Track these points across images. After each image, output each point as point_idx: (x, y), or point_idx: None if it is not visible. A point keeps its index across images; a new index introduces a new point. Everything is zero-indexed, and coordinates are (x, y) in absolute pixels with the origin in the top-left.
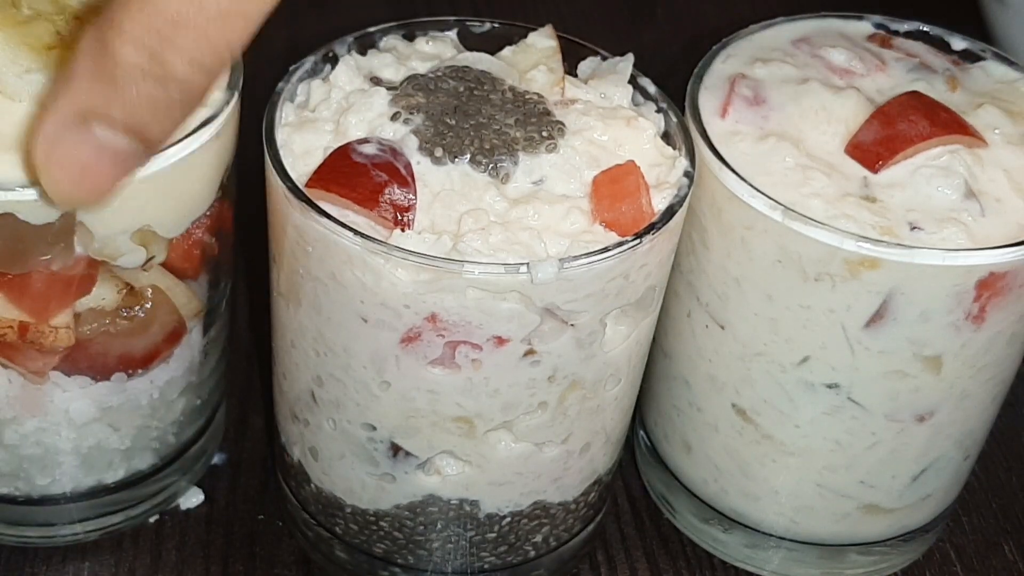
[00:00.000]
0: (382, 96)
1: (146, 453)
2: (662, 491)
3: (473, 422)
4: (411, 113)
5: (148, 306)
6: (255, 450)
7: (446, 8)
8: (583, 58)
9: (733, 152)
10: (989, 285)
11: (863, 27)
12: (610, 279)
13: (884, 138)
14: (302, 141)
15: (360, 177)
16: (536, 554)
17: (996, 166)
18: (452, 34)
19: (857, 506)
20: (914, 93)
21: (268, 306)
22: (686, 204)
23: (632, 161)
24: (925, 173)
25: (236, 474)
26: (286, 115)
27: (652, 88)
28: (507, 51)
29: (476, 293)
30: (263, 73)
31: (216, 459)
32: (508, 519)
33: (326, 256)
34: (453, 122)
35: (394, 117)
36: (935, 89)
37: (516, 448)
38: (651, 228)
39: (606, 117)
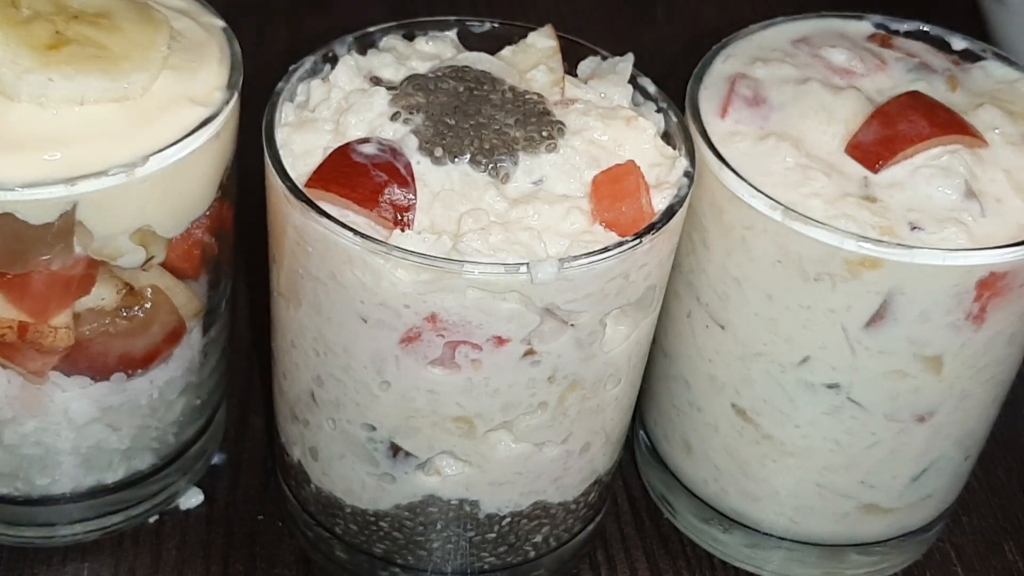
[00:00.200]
0: (382, 96)
1: (146, 453)
2: (662, 491)
3: (473, 422)
4: (411, 113)
5: (148, 306)
6: (255, 450)
7: (446, 8)
8: (583, 58)
9: (733, 152)
10: (989, 285)
11: (863, 27)
12: (610, 279)
13: (884, 138)
14: (302, 141)
15: (360, 177)
16: (536, 554)
17: (996, 166)
18: (452, 34)
19: (857, 506)
20: (914, 93)
21: (268, 306)
22: (686, 204)
23: (632, 161)
24: (925, 173)
25: (236, 474)
26: (286, 115)
27: (652, 88)
28: (507, 51)
29: (476, 293)
30: (263, 73)
31: (216, 459)
32: (508, 519)
33: (326, 256)
34: (453, 122)
35: (394, 117)
36: (935, 89)
37: (516, 448)
38: (651, 228)
39: (606, 117)
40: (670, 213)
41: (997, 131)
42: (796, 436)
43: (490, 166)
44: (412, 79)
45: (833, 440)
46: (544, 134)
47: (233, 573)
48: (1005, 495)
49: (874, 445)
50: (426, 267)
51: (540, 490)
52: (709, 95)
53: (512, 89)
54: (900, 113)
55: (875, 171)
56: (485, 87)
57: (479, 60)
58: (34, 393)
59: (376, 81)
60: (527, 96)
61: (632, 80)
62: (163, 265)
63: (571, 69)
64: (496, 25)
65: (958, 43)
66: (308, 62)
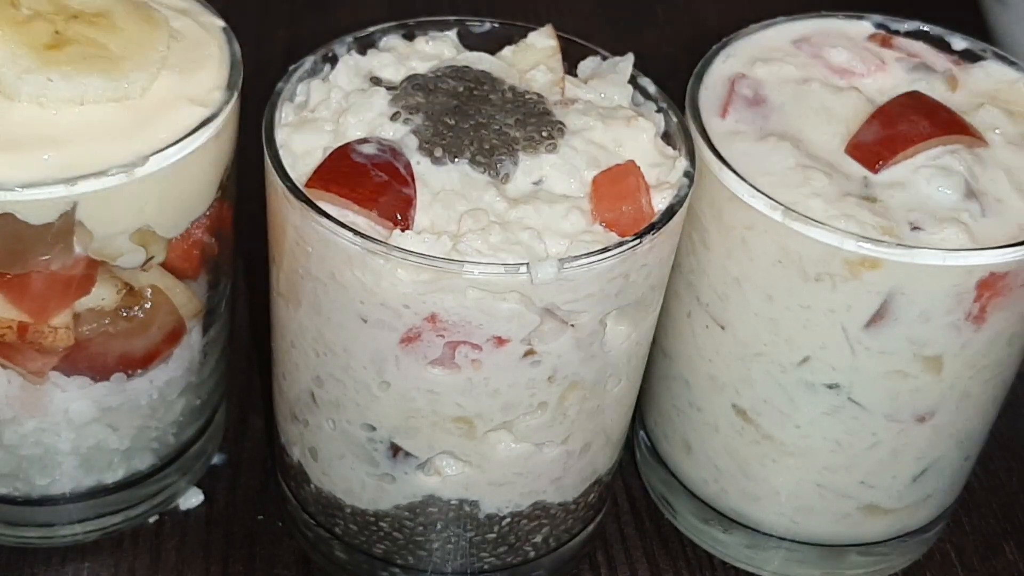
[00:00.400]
0: (382, 96)
1: (146, 453)
2: (662, 491)
3: (473, 422)
4: (411, 113)
5: (147, 306)
6: (255, 450)
7: (446, 8)
8: (583, 58)
9: (733, 152)
10: (989, 285)
11: (863, 27)
12: (610, 279)
13: (884, 138)
14: (302, 141)
15: (360, 177)
16: (536, 554)
17: (996, 166)
18: (452, 34)
19: (857, 506)
20: (914, 93)
21: (268, 306)
22: (686, 204)
23: (632, 161)
24: (925, 173)
25: (236, 474)
26: (286, 115)
27: (652, 88)
28: (507, 51)
29: (476, 293)
30: (263, 73)
31: (216, 459)
32: (508, 519)
33: (326, 256)
34: (453, 122)
35: (394, 117)
36: (935, 89)
37: (516, 448)
38: (651, 228)
39: (606, 117)
40: (670, 213)
41: (997, 131)
42: (796, 436)
43: (490, 166)
44: (412, 79)
45: (833, 440)
46: (544, 134)
47: (233, 573)
48: (1005, 495)
49: (874, 445)
50: (426, 267)
51: (540, 490)
52: (709, 95)
53: (512, 89)
54: (900, 113)
55: (875, 171)
56: (485, 87)
57: (479, 60)
58: (34, 393)
59: (376, 81)
60: (527, 96)
61: (632, 80)
62: (163, 265)
63: (571, 69)
64: (496, 25)
65: (958, 43)
66: (308, 62)
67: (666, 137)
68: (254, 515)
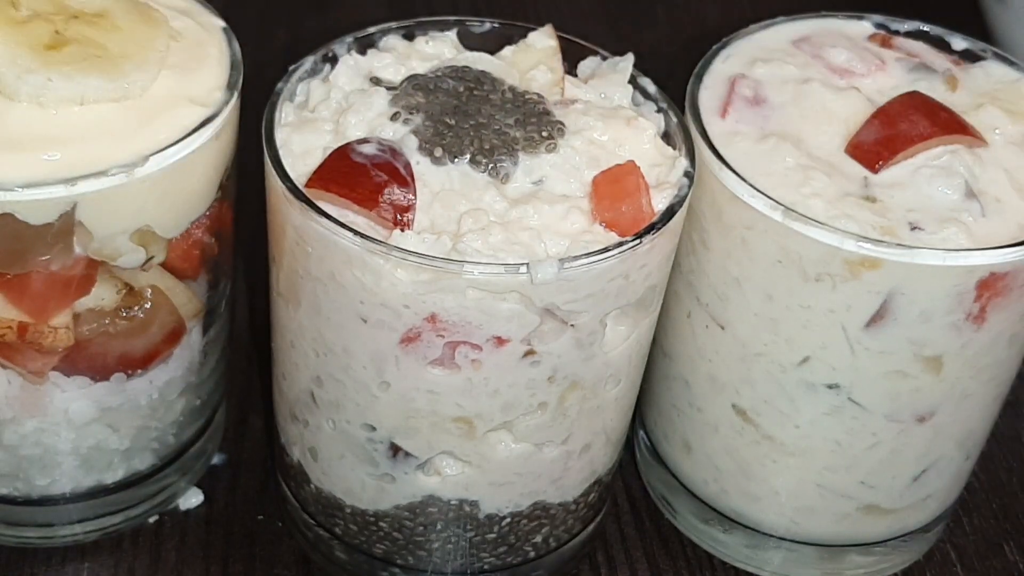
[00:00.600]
0: (382, 96)
1: (146, 453)
2: (662, 491)
3: (473, 422)
4: (411, 113)
5: (147, 306)
6: (255, 450)
7: (446, 8)
8: (583, 58)
9: (733, 152)
10: (990, 285)
11: (863, 27)
12: (610, 279)
13: (884, 138)
14: (302, 141)
15: (360, 177)
16: (536, 555)
17: (997, 166)
18: (452, 34)
19: (857, 506)
20: (914, 93)
21: (268, 306)
22: (686, 204)
23: (632, 161)
24: (925, 173)
25: (236, 474)
26: (286, 115)
27: (652, 88)
28: (507, 51)
29: (476, 293)
30: (263, 73)
31: (216, 459)
32: (508, 520)
33: (326, 256)
34: (453, 122)
35: (394, 117)
36: (935, 89)
37: (516, 448)
38: (651, 228)
39: (606, 117)
40: (670, 213)
41: (997, 131)
42: (796, 436)
43: (490, 166)
44: (412, 79)
45: (833, 440)
46: (544, 134)
47: (233, 573)
48: (1006, 495)
49: (874, 445)
50: (426, 267)
51: (540, 490)
52: (709, 95)
53: (512, 89)
54: (900, 113)
55: (875, 171)
56: (485, 87)
57: (479, 60)
58: (34, 393)
59: (376, 81)
60: (527, 96)
61: (632, 80)
62: (163, 265)
63: (571, 69)
64: (496, 25)
65: (958, 43)
66: (308, 62)
67: (666, 137)
68: (254, 515)
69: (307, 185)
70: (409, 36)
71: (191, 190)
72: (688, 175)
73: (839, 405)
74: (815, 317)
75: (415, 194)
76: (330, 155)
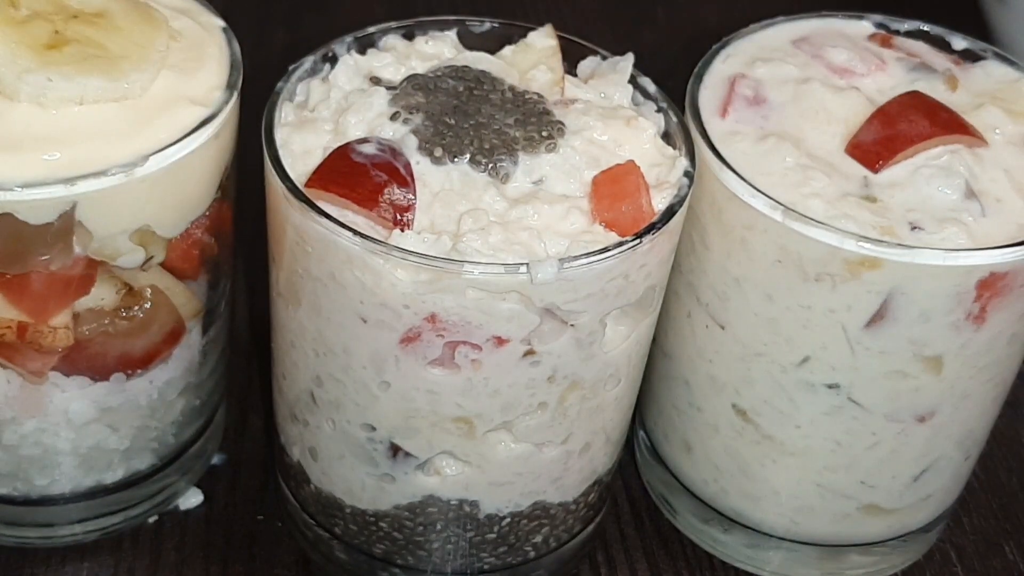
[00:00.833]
0: (382, 96)
1: (145, 453)
2: (662, 491)
3: (473, 422)
4: (411, 113)
5: (147, 306)
6: (254, 450)
7: (446, 8)
8: (583, 58)
9: (733, 152)
10: (990, 285)
11: (863, 27)
12: (610, 279)
13: (884, 138)
14: (301, 141)
15: (359, 177)
16: (536, 555)
17: (997, 166)
18: (452, 34)
19: (857, 506)
20: (914, 93)
21: (268, 306)
22: (686, 204)
23: (632, 161)
24: (925, 173)
25: (235, 474)
26: (285, 115)
27: (652, 88)
28: (507, 51)
29: (476, 293)
30: (263, 73)
31: (215, 459)
32: (508, 520)
33: (325, 256)
34: (453, 122)
35: (394, 117)
36: (935, 89)
37: (516, 448)
38: (651, 228)
39: (606, 117)
40: (670, 213)
41: (997, 131)
42: (796, 436)
43: (490, 166)
44: (412, 79)
45: (833, 440)
46: (544, 134)
47: (232, 573)
48: (1005, 495)
49: (874, 445)
50: (426, 267)
51: (540, 490)
52: (709, 95)
53: (512, 89)
54: (900, 113)
55: (875, 171)
56: (485, 87)
57: (479, 60)
58: (33, 393)
59: (376, 81)
60: (527, 96)
61: (632, 80)
62: (162, 265)
63: (571, 69)
64: (496, 25)
65: (958, 43)
66: (308, 62)
67: (666, 137)
68: (254, 515)
69: (307, 185)
70: (409, 36)
71: (191, 190)
72: (688, 175)
73: (839, 405)
74: (815, 317)
75: (415, 194)
76: (330, 155)
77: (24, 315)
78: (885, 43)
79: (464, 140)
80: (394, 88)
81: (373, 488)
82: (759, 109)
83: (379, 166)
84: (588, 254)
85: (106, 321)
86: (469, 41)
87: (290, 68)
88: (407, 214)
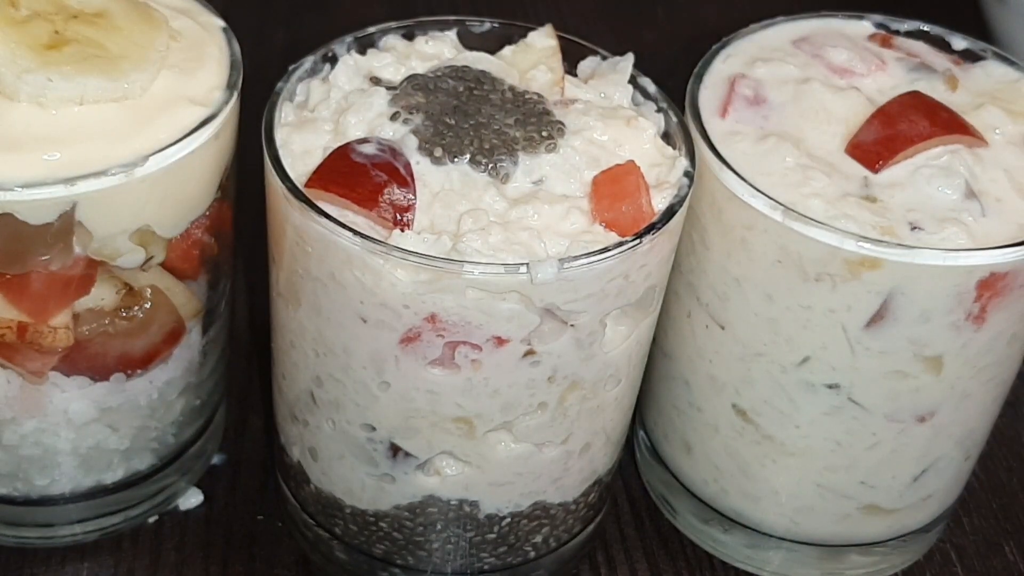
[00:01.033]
0: (381, 96)
1: (145, 453)
2: (662, 491)
3: (473, 423)
4: (411, 113)
5: (147, 306)
6: (254, 450)
7: (446, 8)
8: (583, 58)
9: (733, 152)
10: (990, 285)
11: (863, 27)
12: (610, 279)
13: (884, 138)
14: (301, 141)
15: (359, 177)
16: (536, 555)
17: (997, 166)
18: (452, 34)
19: (857, 506)
20: (914, 93)
21: (268, 306)
22: (686, 204)
23: (632, 161)
24: (925, 173)
25: (235, 474)
26: (285, 115)
27: (652, 88)
28: (507, 51)
29: (476, 293)
30: (263, 73)
31: (215, 459)
32: (508, 520)
33: (325, 256)
34: (453, 122)
35: (393, 117)
36: (935, 89)
37: (516, 449)
38: (651, 228)
39: (606, 117)
40: (670, 213)
41: (998, 131)
42: (796, 436)
43: (490, 166)
44: (412, 79)
45: (833, 440)
46: (544, 134)
47: (232, 574)
48: (1006, 495)
49: (874, 445)
50: (426, 267)
51: (540, 490)
52: (709, 95)
53: (512, 89)
54: (900, 113)
55: (875, 171)
56: (485, 87)
57: (479, 60)
58: (33, 393)
59: (376, 81)
60: (527, 96)
61: (632, 80)
62: (162, 265)
63: (571, 69)
64: (496, 25)
65: (958, 43)
66: (308, 62)
67: (666, 137)
68: (254, 515)
69: (307, 185)
70: (409, 36)
71: (191, 190)
72: (688, 175)
73: (839, 405)
74: (815, 317)
75: (415, 194)
76: (330, 155)
77: (24, 315)
78: (885, 43)
79: (464, 140)
80: (394, 88)
81: (373, 488)
82: (759, 109)
83: (379, 166)
84: (588, 254)
85: (106, 321)
86: (469, 41)
87: (290, 68)
88: (407, 214)
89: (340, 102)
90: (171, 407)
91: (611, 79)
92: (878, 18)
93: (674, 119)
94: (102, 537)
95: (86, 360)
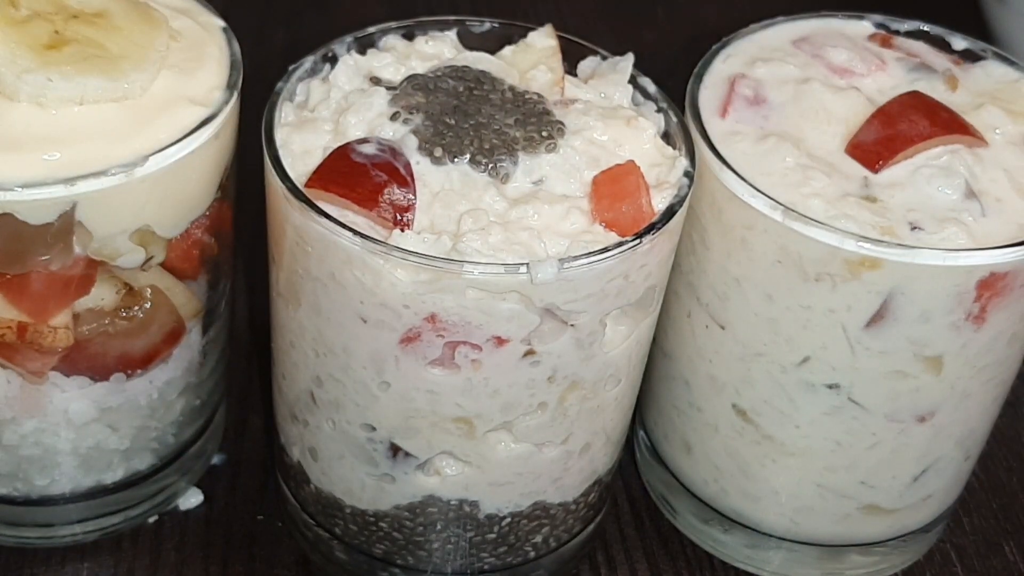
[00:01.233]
0: (381, 96)
1: (145, 453)
2: (662, 491)
3: (473, 423)
4: (411, 113)
5: (147, 306)
6: (254, 450)
7: (446, 8)
8: (583, 58)
9: (733, 152)
10: (990, 285)
11: (863, 27)
12: (610, 279)
13: (884, 138)
14: (301, 141)
15: (359, 177)
16: (536, 555)
17: (997, 166)
18: (452, 34)
19: (857, 506)
20: (914, 93)
21: (268, 306)
22: (686, 204)
23: (632, 161)
24: (925, 173)
25: (235, 474)
26: (285, 115)
27: (652, 88)
28: (507, 51)
29: (476, 293)
30: (263, 73)
31: (215, 459)
32: (508, 520)
33: (325, 256)
34: (453, 122)
35: (393, 117)
36: (935, 89)
37: (516, 448)
38: (651, 228)
39: (606, 117)
40: (670, 213)
41: (998, 131)
42: (796, 436)
43: (490, 166)
44: (412, 79)
45: (833, 440)
46: (544, 134)
47: (232, 574)
48: (1006, 495)
49: (875, 445)
50: (426, 267)
51: (540, 490)
52: (709, 95)
53: (512, 89)
54: (901, 113)
55: (875, 171)
56: (485, 87)
57: (479, 60)
58: (33, 393)
59: (376, 81)
60: (527, 96)
61: (632, 80)
62: (162, 265)
63: (571, 69)
64: (496, 25)
65: (958, 43)
66: (308, 62)
67: (666, 137)
68: (254, 515)
69: (307, 185)
70: (409, 36)
71: (191, 190)
72: (688, 175)
73: (839, 405)
74: (815, 317)
75: (415, 194)
76: (330, 155)
77: (24, 315)
78: (885, 43)
79: (464, 140)
80: (394, 88)
81: (373, 488)
82: (759, 109)
83: (379, 166)
84: (588, 254)
85: (106, 321)
86: (469, 41)
87: (290, 68)
88: (407, 214)
89: (340, 102)
90: (171, 407)
91: (611, 79)
92: (878, 18)
93: (674, 119)
94: (102, 537)
95: (86, 360)
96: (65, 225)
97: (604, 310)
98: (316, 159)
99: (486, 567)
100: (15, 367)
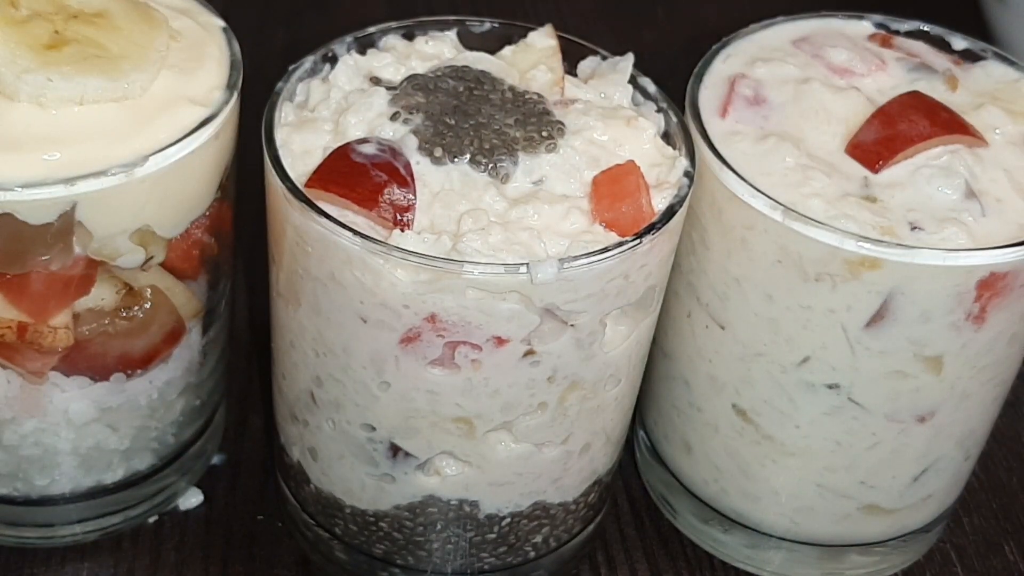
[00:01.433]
0: (381, 96)
1: (145, 453)
2: (662, 491)
3: (473, 423)
4: (411, 113)
5: (147, 306)
6: (254, 450)
7: (446, 8)
8: (583, 58)
9: (733, 152)
10: (990, 285)
11: (863, 27)
12: (610, 279)
13: (884, 138)
14: (301, 141)
15: (359, 177)
16: (536, 555)
17: (997, 166)
18: (452, 34)
19: (857, 506)
20: (914, 93)
21: (268, 306)
22: (686, 204)
23: (632, 161)
24: (925, 173)
25: (235, 474)
26: (285, 115)
27: (652, 88)
28: (507, 51)
29: (476, 293)
30: (263, 73)
31: (215, 459)
32: (508, 520)
33: (325, 256)
34: (453, 122)
35: (394, 117)
36: (935, 89)
37: (516, 449)
38: (651, 228)
39: (606, 117)
40: (670, 213)
41: (998, 131)
42: (796, 436)
43: (490, 166)
44: (412, 79)
45: (833, 440)
46: (544, 134)
47: (232, 574)
48: (1005, 495)
49: (875, 445)
50: (426, 267)
51: (540, 490)
52: (709, 95)
53: (512, 89)
54: (901, 113)
55: (875, 171)
56: (485, 87)
57: (479, 60)
58: (33, 393)
59: (376, 81)
60: (527, 96)
61: (632, 80)
62: (162, 265)
63: (571, 69)
64: (496, 25)
65: (958, 43)
66: (308, 62)
67: (666, 137)
68: (254, 515)
69: (307, 185)
70: (409, 36)
71: (191, 190)
72: (688, 175)
73: (839, 405)
74: (815, 317)
75: (415, 194)
76: (330, 155)
77: (24, 315)
78: (885, 43)
79: (464, 140)
80: (394, 88)
81: (373, 488)
82: (759, 109)
83: (379, 166)
84: (588, 254)
85: (106, 321)
86: (469, 41)
87: (290, 68)
88: (407, 214)
89: (340, 102)
90: (171, 407)
91: (611, 79)
92: (878, 18)
93: (674, 119)
94: (102, 537)
95: (86, 360)
96: (65, 225)
97: (604, 310)
98: (316, 159)
99: (486, 567)
100: (15, 367)
